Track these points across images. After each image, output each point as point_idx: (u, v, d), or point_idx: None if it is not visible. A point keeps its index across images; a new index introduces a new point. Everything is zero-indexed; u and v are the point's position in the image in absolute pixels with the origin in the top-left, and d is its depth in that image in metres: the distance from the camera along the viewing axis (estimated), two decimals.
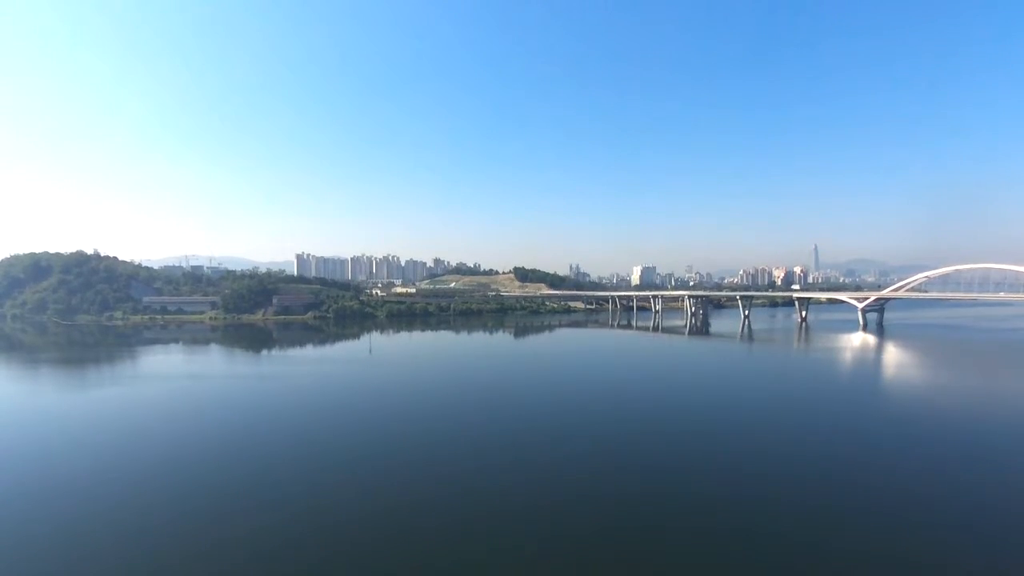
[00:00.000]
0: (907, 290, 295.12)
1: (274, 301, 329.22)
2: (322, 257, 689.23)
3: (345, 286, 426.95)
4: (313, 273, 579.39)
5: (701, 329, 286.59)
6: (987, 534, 52.17)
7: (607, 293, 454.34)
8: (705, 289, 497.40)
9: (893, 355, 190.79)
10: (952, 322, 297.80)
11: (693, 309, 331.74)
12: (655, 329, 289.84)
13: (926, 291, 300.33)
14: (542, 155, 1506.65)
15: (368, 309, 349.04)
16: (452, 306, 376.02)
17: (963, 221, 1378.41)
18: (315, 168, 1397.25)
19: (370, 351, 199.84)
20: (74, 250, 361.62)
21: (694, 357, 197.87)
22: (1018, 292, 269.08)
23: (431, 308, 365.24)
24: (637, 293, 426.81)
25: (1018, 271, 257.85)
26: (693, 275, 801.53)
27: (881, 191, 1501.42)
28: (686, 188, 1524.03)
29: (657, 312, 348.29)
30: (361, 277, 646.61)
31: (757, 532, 52.55)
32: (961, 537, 51.69)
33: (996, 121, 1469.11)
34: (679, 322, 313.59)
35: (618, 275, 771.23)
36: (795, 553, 49.11)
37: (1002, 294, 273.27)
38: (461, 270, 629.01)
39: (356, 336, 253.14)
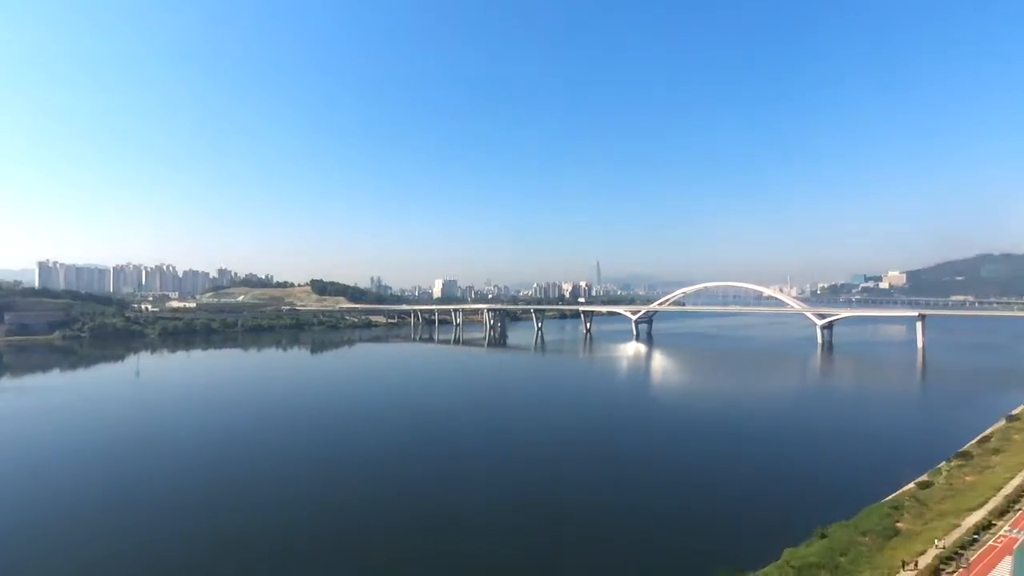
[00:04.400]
0: (670, 304, 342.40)
1: (6, 319, 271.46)
2: (74, 266, 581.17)
3: (106, 300, 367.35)
4: (62, 284, 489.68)
5: (499, 341, 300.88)
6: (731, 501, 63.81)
7: (409, 307, 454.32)
8: (503, 302, 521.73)
9: (659, 361, 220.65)
10: (703, 331, 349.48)
11: (492, 322, 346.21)
12: (456, 342, 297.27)
13: (684, 304, 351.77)
14: (343, 163, 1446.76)
15: (136, 327, 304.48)
16: (240, 322, 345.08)
17: (710, 244, 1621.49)
18: (60, 154, 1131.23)
19: (138, 374, 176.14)
20: None
21: (493, 368, 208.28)
22: (749, 305, 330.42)
23: (215, 324, 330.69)
24: (439, 307, 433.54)
25: (748, 287, 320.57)
26: (492, 288, 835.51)
27: (645, 215, 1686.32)
28: (483, 201, 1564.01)
29: (458, 325, 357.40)
30: (128, 289, 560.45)
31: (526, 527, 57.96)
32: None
33: (732, 156, 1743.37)
34: (478, 334, 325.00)
35: (420, 288, 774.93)
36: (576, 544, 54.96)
37: (752, 307, 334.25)
38: (251, 282, 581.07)
39: (119, 358, 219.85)
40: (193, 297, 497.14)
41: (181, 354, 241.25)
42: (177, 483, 73.54)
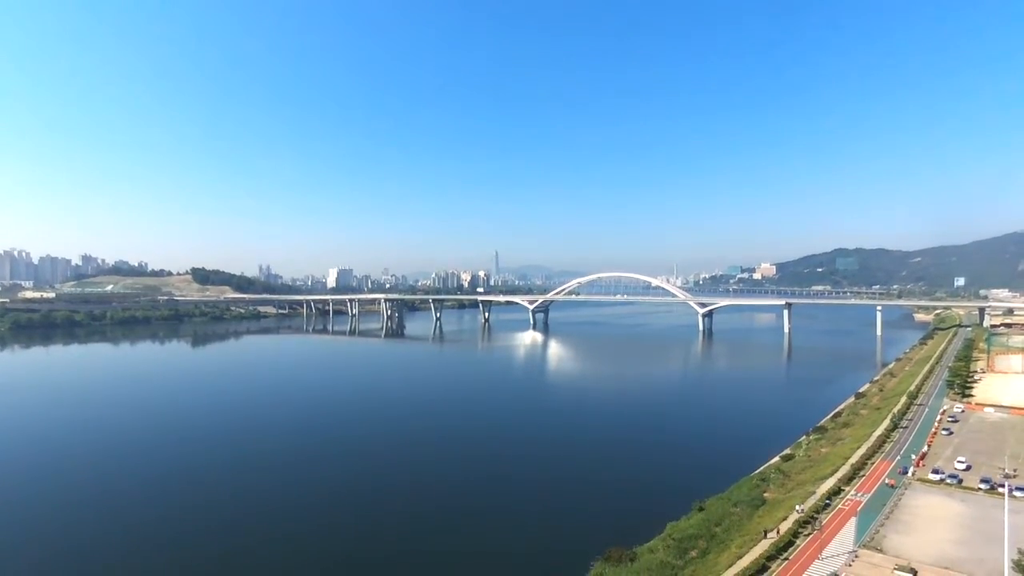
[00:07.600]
0: (566, 293, 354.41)
1: None
2: None
3: None
4: None
5: (397, 332, 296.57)
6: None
7: (301, 297, 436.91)
8: (401, 292, 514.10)
9: (555, 350, 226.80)
10: (596, 319, 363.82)
11: (389, 312, 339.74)
12: (352, 333, 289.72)
13: (578, 294, 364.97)
14: (226, 146, 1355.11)
15: None
16: (109, 313, 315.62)
17: (603, 236, 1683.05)
18: None
19: None
20: None
21: (390, 360, 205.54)
22: (639, 294, 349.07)
23: (79, 317, 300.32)
24: (333, 296, 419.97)
25: (638, 278, 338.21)
26: (389, 278, 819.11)
27: (542, 206, 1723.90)
28: (379, 190, 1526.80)
29: (354, 316, 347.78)
30: None
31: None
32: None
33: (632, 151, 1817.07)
34: (375, 325, 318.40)
35: (313, 277, 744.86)
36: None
37: (641, 297, 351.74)
38: (122, 270, 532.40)
39: None
40: (52, 287, 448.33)
41: (38, 350, 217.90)
42: None
